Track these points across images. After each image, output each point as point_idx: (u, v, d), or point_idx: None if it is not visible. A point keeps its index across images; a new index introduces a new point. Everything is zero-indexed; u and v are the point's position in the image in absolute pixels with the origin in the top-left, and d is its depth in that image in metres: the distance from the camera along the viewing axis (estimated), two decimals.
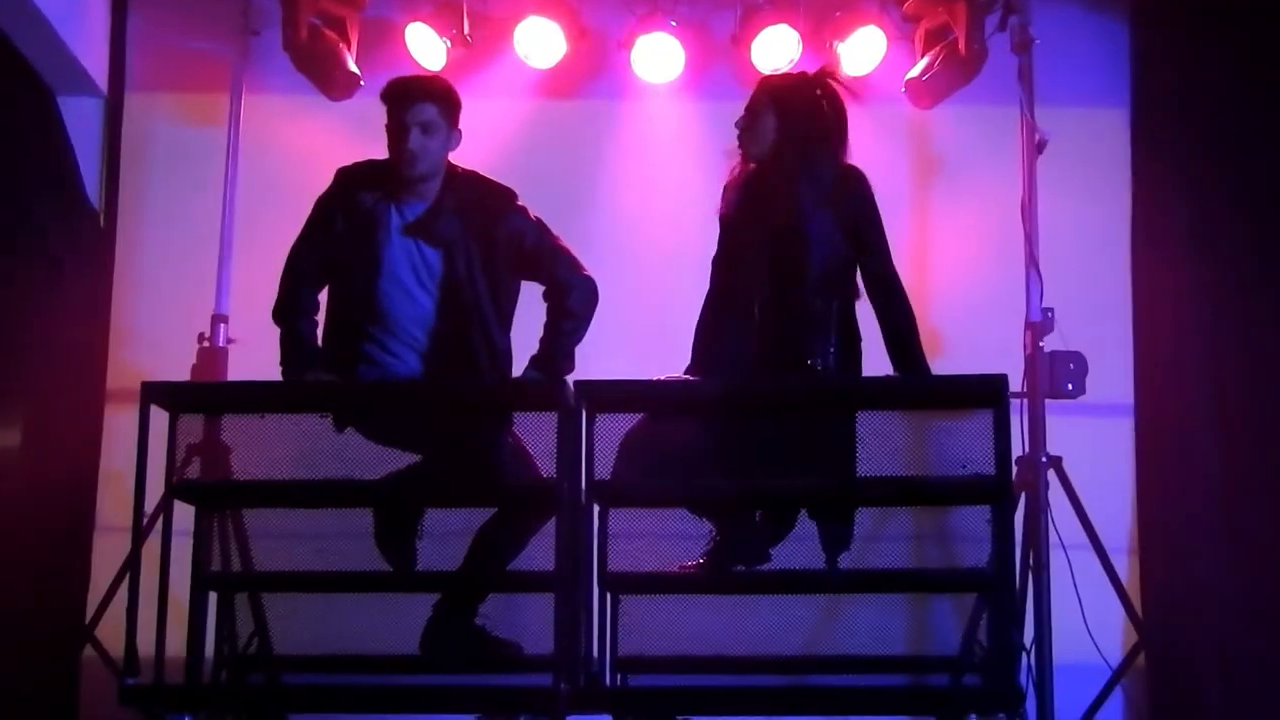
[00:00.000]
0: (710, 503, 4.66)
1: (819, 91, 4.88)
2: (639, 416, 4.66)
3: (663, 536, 4.66)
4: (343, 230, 4.83)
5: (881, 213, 4.81)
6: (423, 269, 4.82)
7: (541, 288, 4.96)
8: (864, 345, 4.82)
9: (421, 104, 4.83)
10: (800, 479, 4.56)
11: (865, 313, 4.84)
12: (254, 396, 4.68)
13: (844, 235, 4.77)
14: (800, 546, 4.67)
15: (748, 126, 4.88)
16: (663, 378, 4.80)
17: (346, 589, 4.67)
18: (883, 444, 4.57)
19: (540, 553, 4.55)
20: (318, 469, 4.56)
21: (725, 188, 4.95)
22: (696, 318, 4.94)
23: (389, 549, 4.67)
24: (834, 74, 4.96)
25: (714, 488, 4.60)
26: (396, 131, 4.82)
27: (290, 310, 4.82)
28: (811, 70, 4.98)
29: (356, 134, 6.12)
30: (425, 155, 4.82)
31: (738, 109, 5.00)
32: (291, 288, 4.85)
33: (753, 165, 4.89)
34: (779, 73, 4.92)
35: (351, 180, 4.88)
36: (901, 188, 6.59)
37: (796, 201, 4.74)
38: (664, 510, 4.68)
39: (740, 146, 4.91)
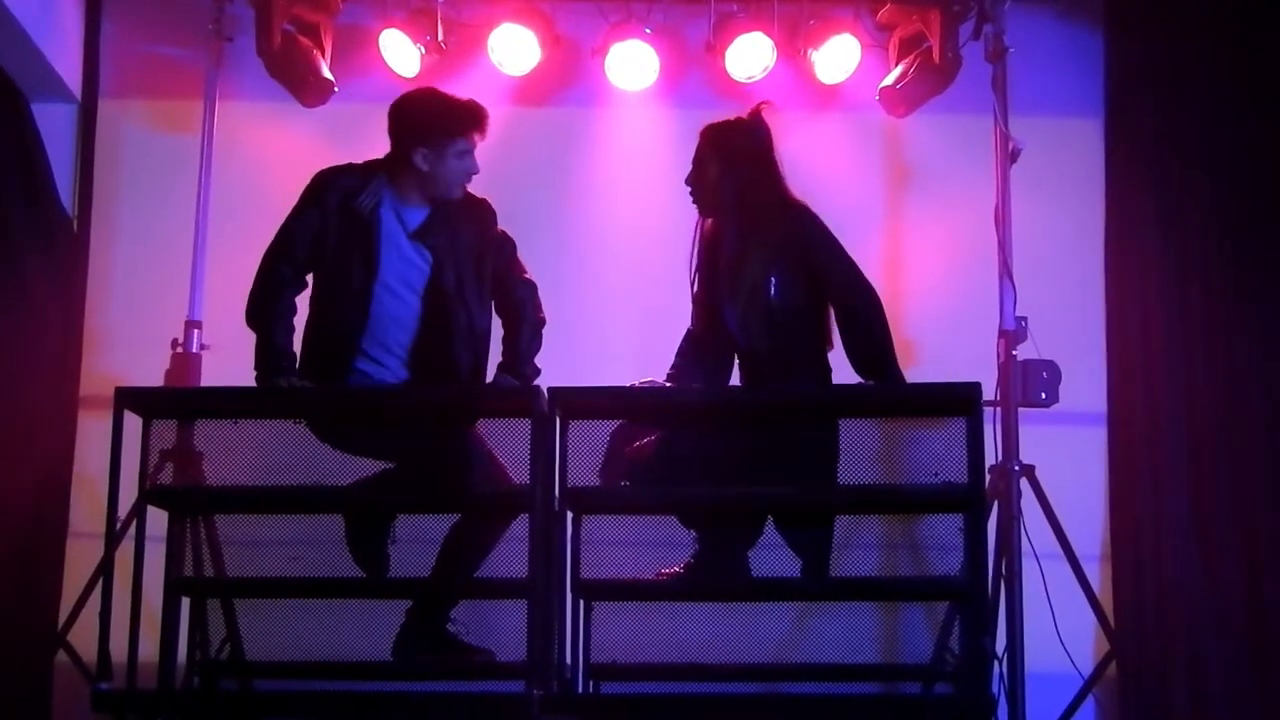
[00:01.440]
0: (688, 510, 4.70)
1: (755, 130, 4.94)
2: (615, 423, 4.71)
3: (637, 544, 4.72)
4: (336, 229, 4.82)
5: (840, 235, 4.84)
6: (415, 275, 4.85)
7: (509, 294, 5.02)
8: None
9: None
10: (774, 486, 4.59)
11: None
12: (227, 402, 4.72)
13: (802, 282, 4.79)
14: (773, 555, 4.71)
15: (695, 179, 4.96)
16: (639, 383, 4.85)
17: (318, 595, 4.71)
18: (857, 452, 4.62)
19: (513, 559, 4.56)
20: (290, 475, 4.58)
21: (692, 242, 4.99)
22: (669, 325, 5.03)
23: (361, 554, 4.70)
24: (766, 111, 4.99)
25: (687, 495, 4.64)
26: (466, 154, 4.87)
27: (267, 314, 4.76)
28: (752, 107, 5.02)
29: (330, 140, 6.18)
30: None
31: (713, 116, 5.05)
32: (271, 289, 4.78)
33: (708, 221, 4.96)
34: (715, 121, 5.02)
35: (342, 181, 4.87)
36: (875, 196, 6.62)
37: (748, 267, 4.78)
38: (638, 517, 4.74)
39: (692, 200, 4.97)
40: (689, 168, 4.98)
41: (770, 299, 4.76)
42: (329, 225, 4.82)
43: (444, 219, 4.88)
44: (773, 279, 4.76)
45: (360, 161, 4.94)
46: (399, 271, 4.82)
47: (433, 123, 4.85)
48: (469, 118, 4.88)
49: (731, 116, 5.02)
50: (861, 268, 4.86)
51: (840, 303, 4.81)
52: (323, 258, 4.83)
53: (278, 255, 4.82)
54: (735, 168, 4.88)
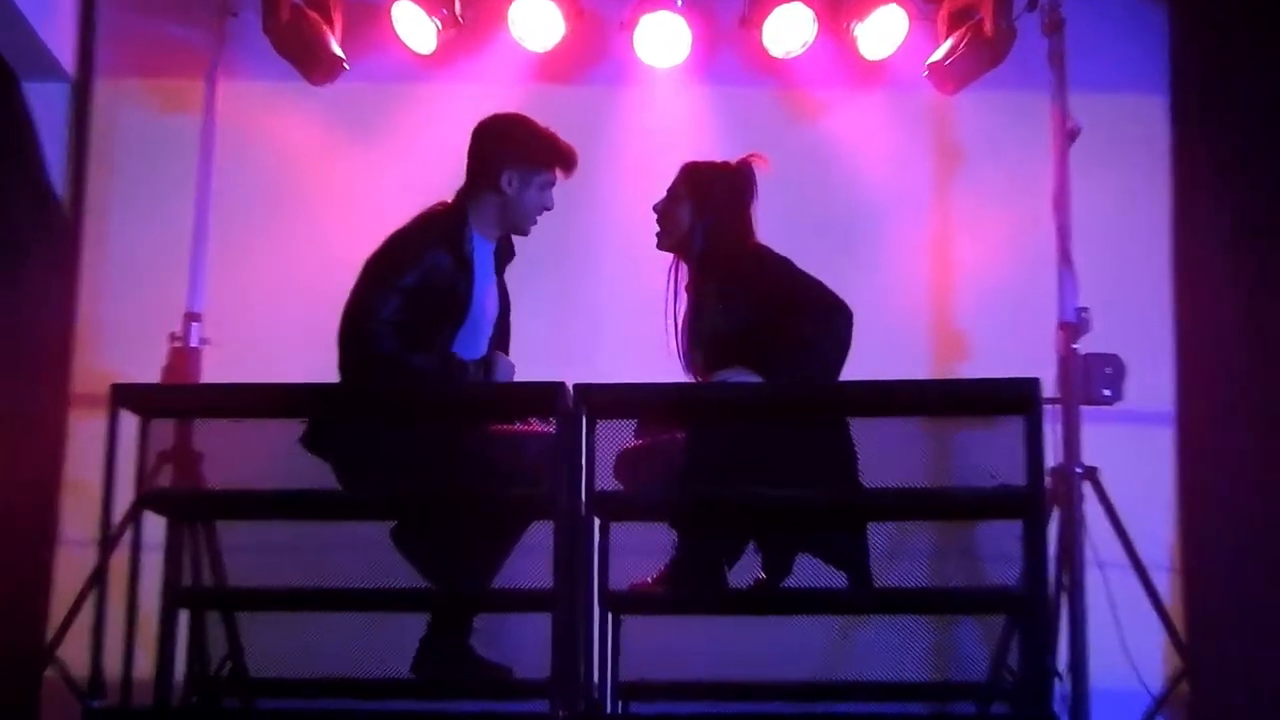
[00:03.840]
0: (732, 517, 4.69)
1: (737, 181, 5.04)
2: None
3: (669, 552, 4.71)
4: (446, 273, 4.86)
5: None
6: (492, 312, 5.01)
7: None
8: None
9: None
10: (812, 489, 4.56)
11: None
12: (229, 400, 4.69)
13: (768, 337, 4.81)
14: (815, 563, 4.68)
15: (663, 212, 5.09)
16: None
17: (327, 607, 4.68)
18: (904, 453, 4.58)
19: (536, 569, 4.53)
20: (297, 478, 4.58)
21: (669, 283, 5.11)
22: None
23: (411, 549, 4.73)
24: (757, 164, 5.08)
25: (729, 498, 4.58)
26: (548, 188, 5.01)
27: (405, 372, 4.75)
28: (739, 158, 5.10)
29: (340, 121, 6.20)
30: None
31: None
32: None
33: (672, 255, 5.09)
34: (699, 161, 5.12)
35: (432, 257, 4.86)
36: (923, 179, 6.58)
37: (705, 310, 4.90)
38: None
39: (656, 231, 5.10)
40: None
41: (724, 335, 4.85)
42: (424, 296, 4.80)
43: (507, 253, 5.06)
44: (727, 315, 4.87)
45: (436, 213, 4.93)
46: (486, 310, 4.96)
47: (528, 146, 4.97)
48: (564, 152, 5.01)
49: (718, 160, 5.13)
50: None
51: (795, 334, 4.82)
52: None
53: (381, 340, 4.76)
54: (706, 214, 5.00)
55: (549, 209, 5.02)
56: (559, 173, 5.01)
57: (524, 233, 5.04)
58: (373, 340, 4.69)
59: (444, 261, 4.82)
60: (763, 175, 5.10)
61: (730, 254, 4.95)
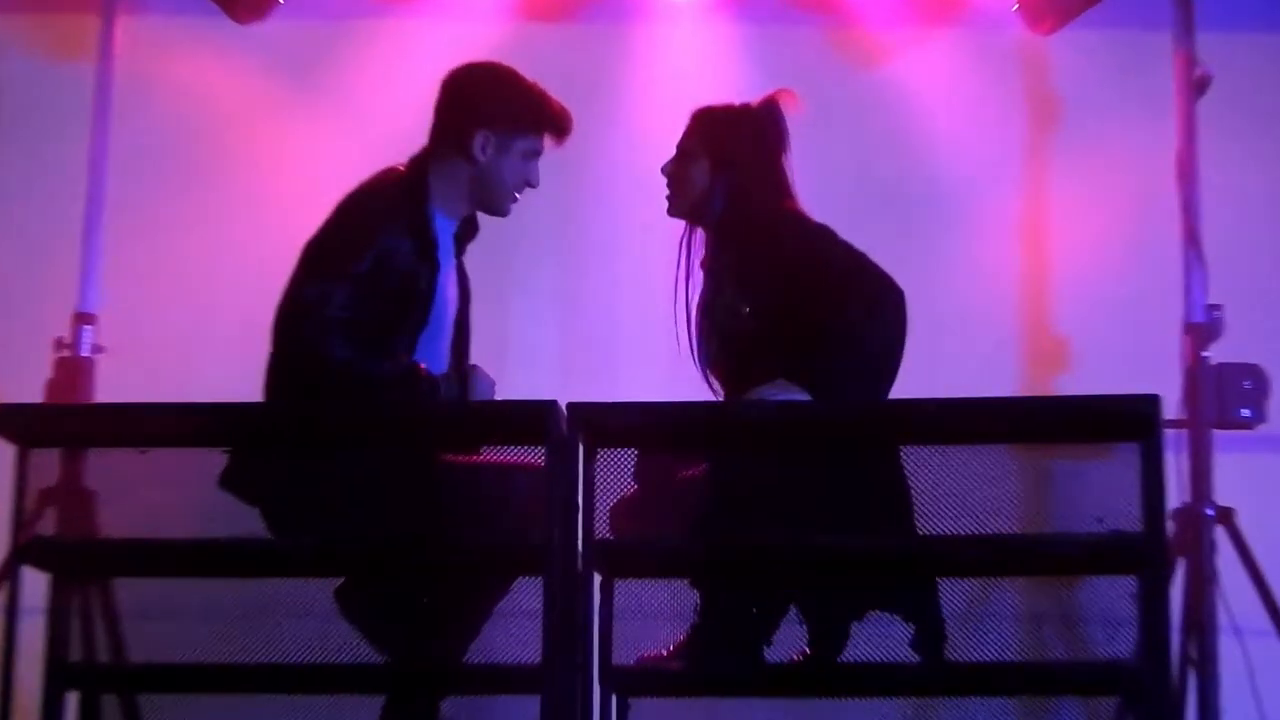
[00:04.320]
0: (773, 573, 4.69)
1: (763, 126, 5.10)
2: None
3: (690, 617, 4.68)
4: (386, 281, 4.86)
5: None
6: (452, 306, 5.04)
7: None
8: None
9: None
10: (876, 536, 4.57)
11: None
12: (130, 424, 4.64)
13: (797, 325, 4.87)
14: (876, 631, 4.67)
15: (674, 173, 5.16)
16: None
17: (255, 688, 4.62)
18: (984, 490, 4.54)
19: (521, 638, 4.53)
20: (216, 523, 4.56)
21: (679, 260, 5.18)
22: None
23: (360, 613, 4.70)
24: (785, 102, 5.13)
25: (765, 547, 4.55)
26: (533, 158, 5.00)
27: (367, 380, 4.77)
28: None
29: (270, 69, 6.16)
30: None
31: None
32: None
33: (694, 227, 5.15)
34: (713, 106, 5.17)
35: (387, 239, 4.88)
36: (1010, 139, 6.66)
37: (736, 317, 4.95)
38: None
39: (667, 196, 5.18)
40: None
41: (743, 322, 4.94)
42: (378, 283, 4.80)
43: (470, 232, 5.07)
44: (747, 297, 4.95)
45: (388, 183, 4.93)
46: (448, 308, 5.00)
47: (509, 104, 4.97)
48: (554, 113, 4.99)
49: (735, 103, 5.17)
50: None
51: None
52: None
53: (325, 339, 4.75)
54: (726, 169, 5.06)
55: (533, 185, 5.01)
56: (548, 139, 5.00)
57: (500, 212, 5.04)
58: (318, 343, 4.69)
59: (402, 246, 4.82)
60: (803, 133, 5.12)
61: (755, 218, 5.00)
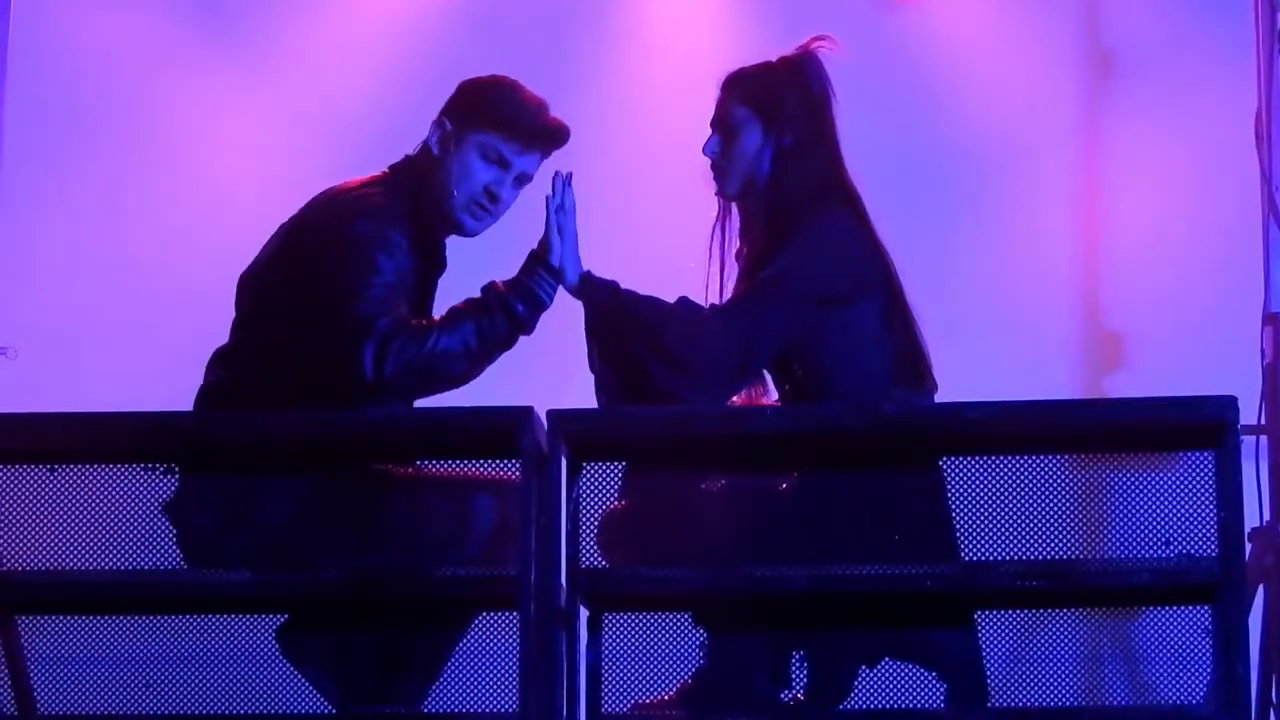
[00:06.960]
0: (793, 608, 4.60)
1: (808, 80, 5.07)
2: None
3: (684, 656, 4.64)
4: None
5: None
6: None
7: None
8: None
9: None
10: (912, 565, 4.52)
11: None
12: (36, 437, 4.64)
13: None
14: (904, 673, 4.66)
15: (723, 150, 5.06)
16: None
17: None
18: (1030, 508, 4.51)
19: (494, 683, 4.53)
20: (141, 553, 4.57)
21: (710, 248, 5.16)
22: None
23: (305, 655, 4.71)
24: (826, 50, 5.11)
25: (779, 578, 4.50)
26: (496, 162, 4.98)
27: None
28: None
29: (188, 25, 6.13)
30: None
31: None
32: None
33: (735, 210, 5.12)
34: (744, 67, 5.14)
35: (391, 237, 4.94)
36: (1062, 97, 6.80)
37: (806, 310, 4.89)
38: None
39: (715, 179, 5.10)
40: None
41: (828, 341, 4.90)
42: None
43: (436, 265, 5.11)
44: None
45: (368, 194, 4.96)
46: None
47: (475, 93, 5.01)
48: (530, 117, 4.96)
49: (770, 59, 5.11)
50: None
51: None
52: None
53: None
54: (783, 131, 4.99)
55: (495, 197, 4.95)
56: (519, 143, 4.95)
57: (453, 220, 4.97)
58: (381, 357, 4.73)
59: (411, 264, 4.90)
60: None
61: (806, 190, 4.96)
